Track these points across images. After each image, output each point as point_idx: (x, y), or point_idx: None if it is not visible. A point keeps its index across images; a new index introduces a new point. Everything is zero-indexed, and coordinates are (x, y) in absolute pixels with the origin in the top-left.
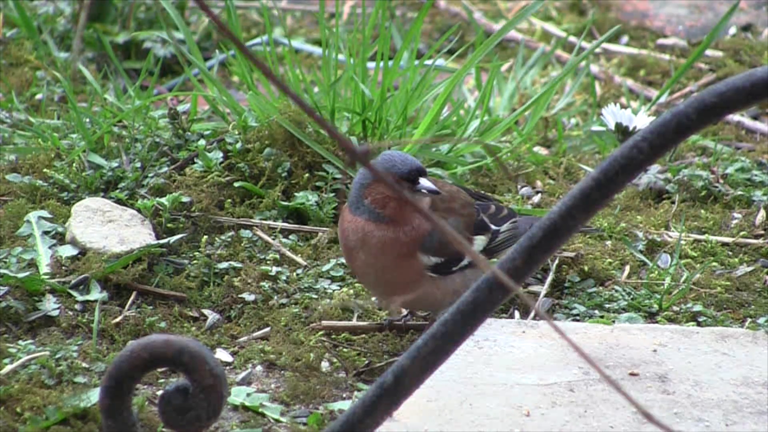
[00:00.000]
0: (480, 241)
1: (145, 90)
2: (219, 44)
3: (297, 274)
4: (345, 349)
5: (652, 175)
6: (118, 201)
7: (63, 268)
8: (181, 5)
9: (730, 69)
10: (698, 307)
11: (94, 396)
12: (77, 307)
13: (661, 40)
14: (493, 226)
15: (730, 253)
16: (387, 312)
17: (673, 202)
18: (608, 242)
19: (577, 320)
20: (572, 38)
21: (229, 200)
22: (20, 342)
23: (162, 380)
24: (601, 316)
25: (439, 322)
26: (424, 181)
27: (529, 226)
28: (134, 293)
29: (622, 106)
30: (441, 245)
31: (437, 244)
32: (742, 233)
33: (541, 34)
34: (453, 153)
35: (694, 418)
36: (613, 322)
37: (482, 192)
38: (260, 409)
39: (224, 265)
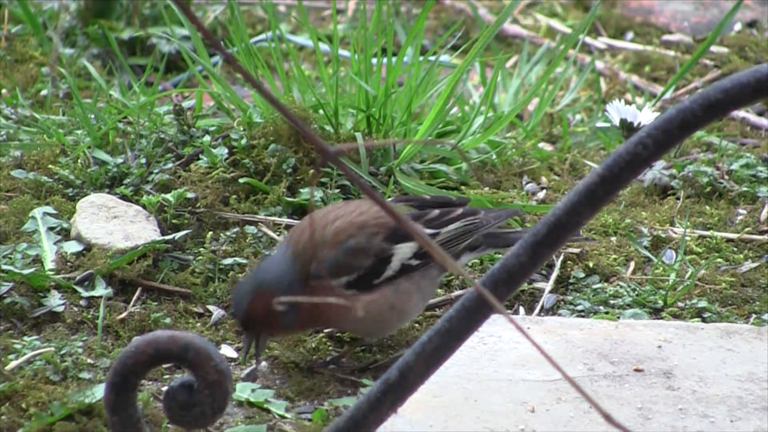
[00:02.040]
0: (406, 248)
1: (150, 86)
2: (224, 40)
3: None
4: (350, 345)
5: (657, 171)
6: (123, 197)
7: (68, 264)
8: (185, 1)
9: (735, 65)
10: (703, 303)
11: (99, 392)
12: (82, 303)
13: (666, 37)
14: (429, 231)
15: (735, 249)
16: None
17: (678, 198)
18: (613, 238)
19: (582, 316)
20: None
21: (234, 196)
22: (25, 338)
23: (167, 376)
24: (606, 312)
25: (444, 318)
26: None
27: (495, 218)
28: (139, 289)
29: (627, 102)
30: (339, 266)
31: (334, 267)
32: (747, 229)
33: (546, 30)
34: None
35: (698, 413)
36: (618, 318)
37: (438, 197)
38: (265, 405)
39: (229, 261)
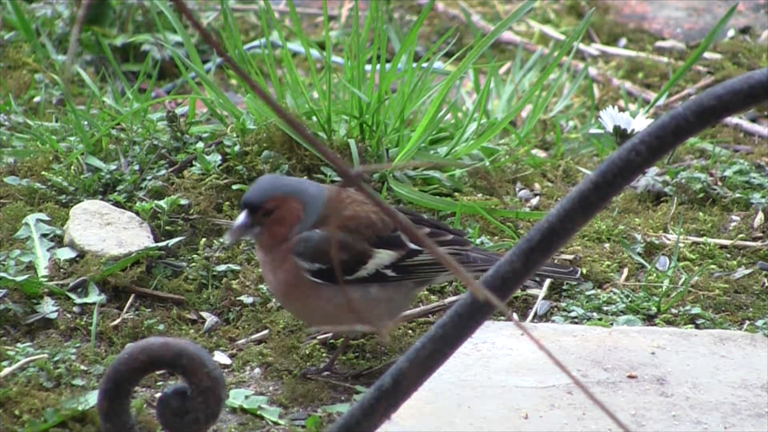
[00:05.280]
0: (385, 255)
1: (143, 93)
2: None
3: None
4: (339, 348)
5: (650, 177)
6: (117, 203)
7: (61, 270)
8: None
9: (729, 72)
10: (696, 310)
11: (92, 398)
12: (75, 309)
13: (659, 43)
14: (412, 246)
15: (729, 255)
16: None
17: (671, 205)
18: (606, 245)
19: (576, 323)
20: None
21: (228, 203)
22: (19, 344)
23: (160, 383)
24: (600, 319)
25: (437, 324)
26: (240, 216)
27: (483, 261)
28: (132, 296)
29: (621, 109)
30: (319, 252)
31: (313, 249)
32: (740, 236)
33: (539, 36)
34: (451, 155)
35: (692, 420)
36: (612, 324)
37: (432, 219)
38: (259, 412)
39: (222, 267)
